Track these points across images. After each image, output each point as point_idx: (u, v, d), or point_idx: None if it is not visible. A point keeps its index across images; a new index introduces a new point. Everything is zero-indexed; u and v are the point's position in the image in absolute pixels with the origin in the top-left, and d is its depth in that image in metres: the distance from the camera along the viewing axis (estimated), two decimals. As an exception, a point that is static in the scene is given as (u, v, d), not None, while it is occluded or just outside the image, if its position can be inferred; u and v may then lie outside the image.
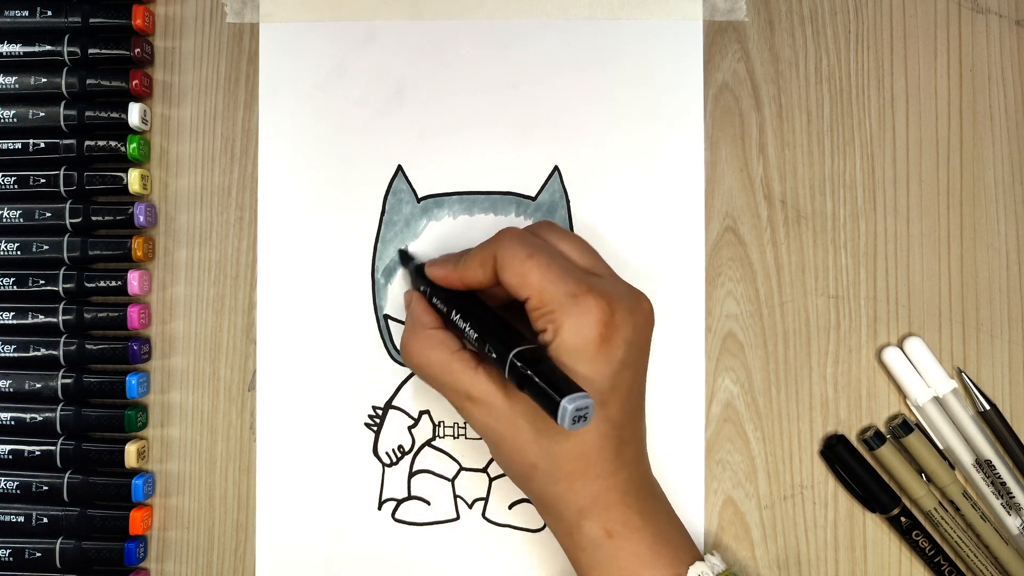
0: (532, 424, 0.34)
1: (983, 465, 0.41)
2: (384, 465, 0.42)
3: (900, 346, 0.42)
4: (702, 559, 0.34)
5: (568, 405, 0.29)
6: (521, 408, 0.34)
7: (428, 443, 0.42)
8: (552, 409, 0.30)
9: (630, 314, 0.34)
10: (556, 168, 0.42)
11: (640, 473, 0.35)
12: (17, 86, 0.41)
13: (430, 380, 0.36)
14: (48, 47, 0.41)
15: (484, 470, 0.42)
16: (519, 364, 0.31)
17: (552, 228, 0.37)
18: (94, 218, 0.41)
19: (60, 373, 0.41)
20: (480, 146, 0.42)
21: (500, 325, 0.34)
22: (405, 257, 0.42)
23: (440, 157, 0.42)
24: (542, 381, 0.30)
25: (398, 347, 0.42)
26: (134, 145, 0.41)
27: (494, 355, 0.33)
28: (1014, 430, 0.41)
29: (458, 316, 0.36)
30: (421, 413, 0.42)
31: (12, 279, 0.41)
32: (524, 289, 0.34)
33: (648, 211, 0.42)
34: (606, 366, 0.33)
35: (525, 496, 0.42)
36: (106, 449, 0.41)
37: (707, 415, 0.42)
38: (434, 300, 0.38)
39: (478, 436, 0.42)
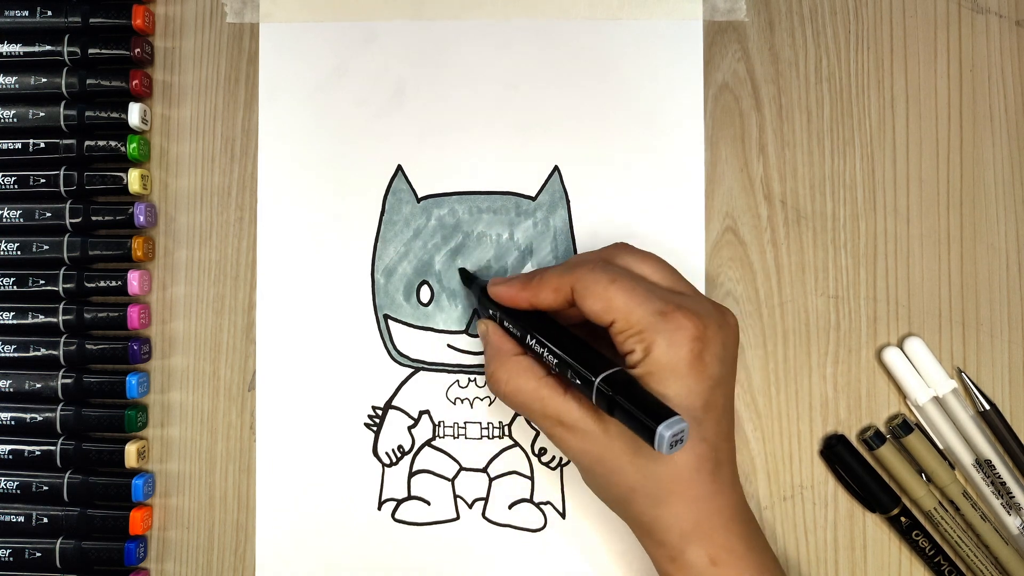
0: (628, 446, 0.33)
1: (983, 465, 0.41)
2: (384, 465, 0.42)
3: (900, 346, 0.42)
4: None
5: (665, 432, 0.28)
6: (616, 431, 0.33)
7: (428, 443, 0.42)
8: (647, 435, 0.29)
9: (719, 330, 0.33)
10: (556, 168, 0.42)
11: (737, 496, 0.35)
12: (17, 86, 0.41)
13: (519, 408, 0.35)
14: (48, 47, 0.41)
15: (484, 470, 0.42)
16: (607, 390, 0.31)
17: (627, 251, 0.36)
18: (94, 218, 0.41)
19: (60, 373, 0.41)
20: (480, 146, 0.42)
21: (581, 348, 0.33)
22: (468, 277, 0.41)
23: (440, 157, 0.42)
24: (634, 406, 0.30)
25: (398, 347, 0.42)
26: (134, 145, 0.41)
27: (578, 381, 0.32)
28: (1014, 430, 0.41)
29: (534, 341, 0.34)
30: (421, 413, 0.42)
31: (12, 279, 0.41)
32: (609, 314, 0.33)
33: (648, 211, 0.42)
34: (699, 384, 0.32)
35: (525, 496, 0.42)
36: (106, 449, 0.41)
37: (707, 415, 0.42)
38: (505, 324, 0.37)
39: (478, 436, 0.42)
